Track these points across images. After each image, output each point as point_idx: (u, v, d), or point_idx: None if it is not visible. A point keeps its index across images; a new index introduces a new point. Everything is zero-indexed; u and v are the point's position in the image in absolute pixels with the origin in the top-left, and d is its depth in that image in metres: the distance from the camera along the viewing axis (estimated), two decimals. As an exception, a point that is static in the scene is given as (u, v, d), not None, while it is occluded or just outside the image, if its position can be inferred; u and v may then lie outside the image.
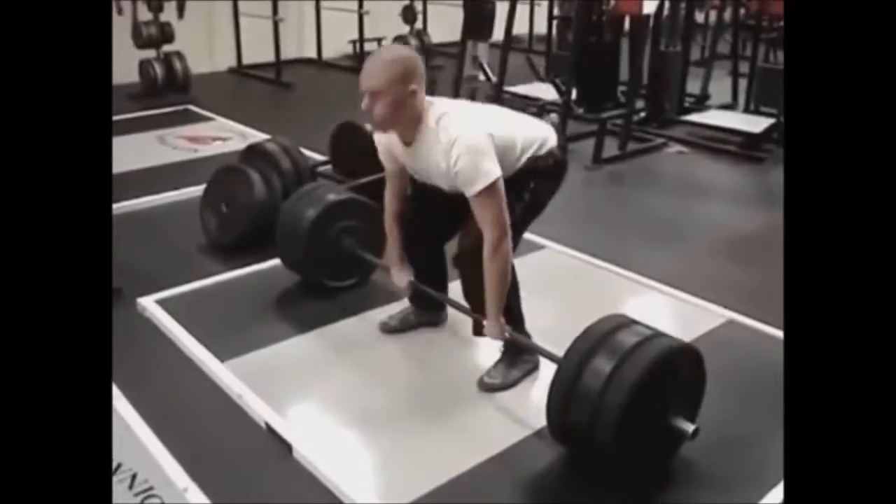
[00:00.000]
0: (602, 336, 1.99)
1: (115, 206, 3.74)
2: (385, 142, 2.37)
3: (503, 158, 2.18)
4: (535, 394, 2.41)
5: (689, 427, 1.96)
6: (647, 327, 2.06)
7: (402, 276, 2.61)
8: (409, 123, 2.19)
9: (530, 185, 2.35)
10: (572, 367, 1.96)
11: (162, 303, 2.92)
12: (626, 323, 2.06)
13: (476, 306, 2.38)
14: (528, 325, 2.49)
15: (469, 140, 2.10)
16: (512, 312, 2.40)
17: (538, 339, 2.51)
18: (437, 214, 2.47)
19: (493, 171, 2.11)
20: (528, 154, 2.31)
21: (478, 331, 2.44)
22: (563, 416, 1.98)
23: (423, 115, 2.18)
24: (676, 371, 1.99)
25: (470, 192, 2.13)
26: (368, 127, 2.21)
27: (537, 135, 2.35)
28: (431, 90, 2.31)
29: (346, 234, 2.94)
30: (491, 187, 2.11)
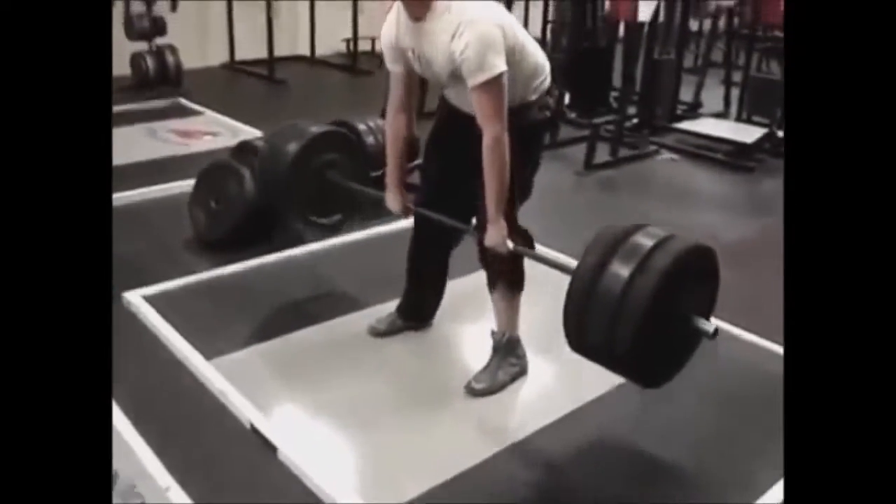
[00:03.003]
0: (618, 238, 1.91)
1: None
2: (391, 31, 2.27)
3: (513, 73, 2.13)
4: (521, 399, 2.41)
5: (710, 327, 1.92)
6: (661, 230, 1.98)
7: (397, 200, 2.50)
8: None
9: (536, 141, 2.34)
10: (590, 268, 1.89)
11: (148, 298, 2.89)
12: (640, 226, 1.98)
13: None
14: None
15: (480, 28, 2.05)
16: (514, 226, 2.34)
17: (526, 344, 2.51)
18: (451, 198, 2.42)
19: (498, 65, 2.08)
20: (535, 83, 2.28)
21: (492, 285, 2.42)
22: (581, 319, 1.91)
23: None
24: (695, 270, 1.95)
25: (473, 81, 2.09)
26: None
27: (543, 63, 2.32)
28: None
29: (330, 167, 2.81)
30: (496, 80, 2.08)
